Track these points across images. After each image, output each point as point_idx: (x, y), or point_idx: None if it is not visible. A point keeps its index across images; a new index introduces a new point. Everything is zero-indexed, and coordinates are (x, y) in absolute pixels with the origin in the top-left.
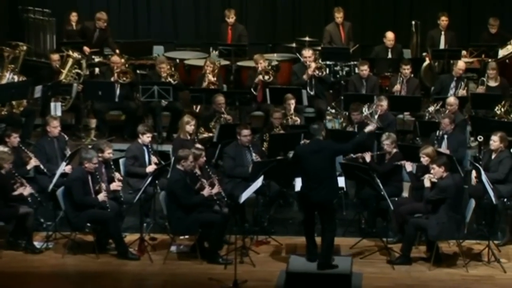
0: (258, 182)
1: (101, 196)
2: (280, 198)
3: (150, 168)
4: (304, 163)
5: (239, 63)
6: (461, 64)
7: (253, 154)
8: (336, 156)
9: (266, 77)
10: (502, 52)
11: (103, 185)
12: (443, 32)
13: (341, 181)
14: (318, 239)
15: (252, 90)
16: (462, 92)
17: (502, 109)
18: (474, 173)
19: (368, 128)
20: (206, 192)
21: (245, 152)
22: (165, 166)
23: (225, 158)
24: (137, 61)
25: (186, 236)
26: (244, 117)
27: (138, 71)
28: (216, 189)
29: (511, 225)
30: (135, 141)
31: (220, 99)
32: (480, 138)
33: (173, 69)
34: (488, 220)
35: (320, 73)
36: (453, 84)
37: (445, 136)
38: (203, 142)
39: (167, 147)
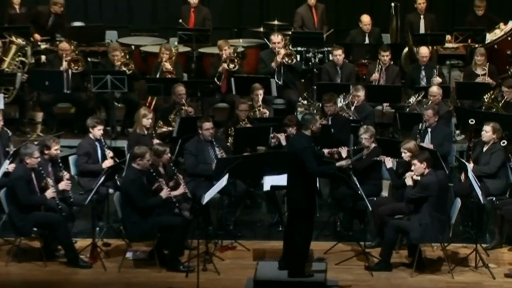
0: (223, 181)
1: (49, 193)
2: (247, 198)
3: (107, 163)
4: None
5: (201, 50)
6: (423, 50)
7: (217, 150)
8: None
9: (231, 66)
10: (489, 37)
11: (50, 181)
12: (422, 16)
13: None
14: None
15: (215, 79)
16: (437, 80)
17: (491, 98)
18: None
19: (341, 163)
20: (164, 193)
21: (208, 148)
22: (119, 164)
23: (186, 155)
24: (88, 48)
25: (144, 242)
26: (206, 109)
27: (89, 59)
28: (181, 190)
29: (501, 226)
30: (86, 136)
31: (180, 89)
32: (472, 121)
33: (127, 56)
34: (475, 221)
35: (290, 61)
36: (422, 74)
37: (428, 129)
38: (161, 137)
39: (122, 143)
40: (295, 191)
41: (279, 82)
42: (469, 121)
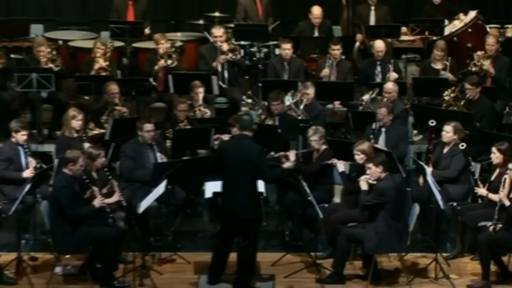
0: (160, 188)
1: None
2: (187, 207)
3: (27, 174)
4: (225, 164)
5: (136, 45)
6: (379, 44)
7: (158, 154)
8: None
9: (169, 61)
10: (448, 29)
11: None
12: (372, 7)
13: (261, 186)
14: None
15: (151, 79)
16: (393, 75)
17: (451, 95)
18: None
19: (287, 165)
20: (97, 202)
21: (147, 152)
22: (46, 171)
23: (122, 158)
24: (11, 43)
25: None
26: (142, 110)
27: (12, 56)
28: (115, 197)
29: (462, 234)
30: (8, 140)
31: (113, 88)
32: (432, 122)
33: (54, 52)
34: (435, 229)
35: (234, 57)
36: (377, 70)
37: (383, 129)
38: (93, 140)
39: (49, 147)
40: (244, 199)
41: (223, 84)
42: (429, 122)
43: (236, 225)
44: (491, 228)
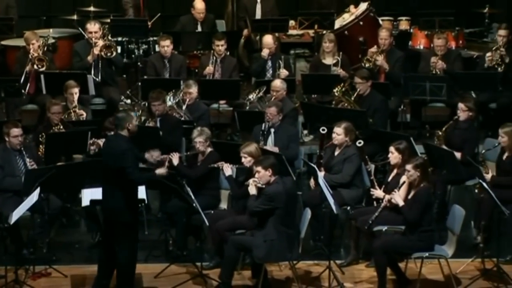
0: (33, 197)
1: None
2: (62, 216)
3: None
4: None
5: (4, 42)
6: (267, 40)
7: (27, 160)
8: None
9: (39, 66)
10: (338, 22)
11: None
12: (259, 0)
13: (141, 192)
14: None
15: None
16: (283, 72)
17: (341, 91)
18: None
19: (160, 171)
20: None
21: (16, 158)
22: None
23: None
24: None
25: None
26: (12, 113)
27: None
28: None
29: (356, 239)
30: None
31: None
32: (324, 129)
33: None
34: (328, 235)
35: (110, 54)
36: (268, 65)
37: (272, 130)
38: None
39: None
40: (115, 202)
41: (97, 79)
42: (320, 129)
43: (109, 230)
44: (370, 221)
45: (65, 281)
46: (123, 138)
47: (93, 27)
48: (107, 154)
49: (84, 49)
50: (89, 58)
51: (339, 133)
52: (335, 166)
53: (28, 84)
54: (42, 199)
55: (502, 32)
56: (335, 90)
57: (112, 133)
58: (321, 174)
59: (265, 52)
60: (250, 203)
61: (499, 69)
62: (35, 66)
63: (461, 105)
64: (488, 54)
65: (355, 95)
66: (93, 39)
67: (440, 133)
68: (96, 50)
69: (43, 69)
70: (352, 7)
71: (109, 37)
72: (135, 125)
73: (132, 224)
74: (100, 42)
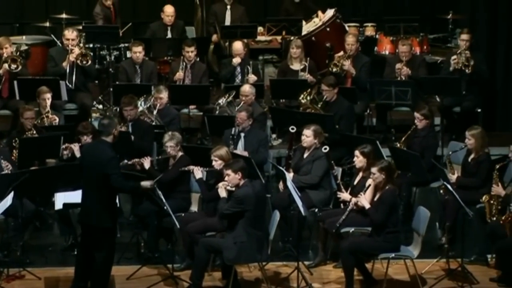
0: (7, 201)
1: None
2: (36, 219)
3: None
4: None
5: None
6: (237, 46)
7: (3, 163)
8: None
9: (13, 66)
10: (306, 28)
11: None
12: (228, 7)
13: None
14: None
15: None
16: (252, 77)
17: (308, 98)
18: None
19: (145, 184)
20: None
21: None
22: None
23: None
24: None
25: None
26: None
27: None
28: None
29: (324, 241)
30: None
31: None
32: (293, 128)
33: None
34: (296, 236)
35: (85, 62)
36: (237, 71)
37: (242, 134)
38: None
39: None
40: (96, 208)
41: (71, 85)
42: (290, 128)
43: (87, 234)
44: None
45: (39, 283)
46: (107, 145)
47: (70, 34)
48: (91, 160)
49: (59, 55)
50: (64, 64)
51: (308, 135)
52: (304, 168)
53: (1, 87)
54: (16, 203)
55: (464, 36)
56: (301, 98)
57: (85, 138)
58: (289, 177)
59: (236, 60)
60: (220, 206)
61: (467, 70)
62: (8, 67)
63: (416, 115)
64: (454, 57)
65: (321, 102)
66: (70, 46)
67: (398, 144)
68: (71, 57)
69: (17, 70)
70: (319, 13)
71: (84, 45)
72: (118, 131)
73: (112, 229)
74: (76, 50)
